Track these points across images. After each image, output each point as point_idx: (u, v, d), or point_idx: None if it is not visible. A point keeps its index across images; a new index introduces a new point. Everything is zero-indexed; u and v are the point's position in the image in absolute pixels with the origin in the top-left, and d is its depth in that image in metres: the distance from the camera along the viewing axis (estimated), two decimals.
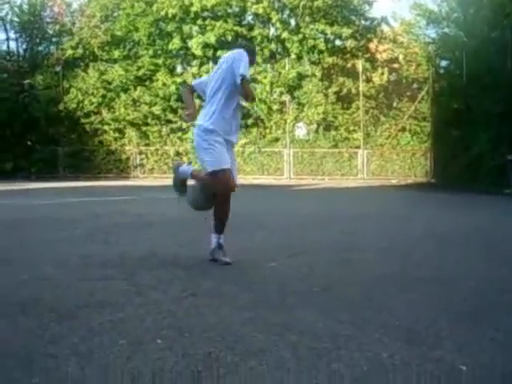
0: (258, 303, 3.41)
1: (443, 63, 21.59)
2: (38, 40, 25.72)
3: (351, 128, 21.92)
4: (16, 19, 25.42)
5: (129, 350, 2.57)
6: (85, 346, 2.62)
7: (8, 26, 25.49)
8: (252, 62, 4.68)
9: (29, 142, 23.41)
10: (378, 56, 23.82)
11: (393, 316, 3.15)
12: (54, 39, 25.80)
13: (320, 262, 4.85)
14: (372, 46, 23.85)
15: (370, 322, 3.02)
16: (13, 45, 25.70)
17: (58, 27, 25.42)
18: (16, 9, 25.35)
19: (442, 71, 21.23)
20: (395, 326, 2.95)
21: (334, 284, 3.97)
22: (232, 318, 3.09)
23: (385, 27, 24.00)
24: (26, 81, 23.83)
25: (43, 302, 3.42)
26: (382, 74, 22.15)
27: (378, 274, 4.30)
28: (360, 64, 22.13)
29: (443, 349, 2.62)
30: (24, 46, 25.82)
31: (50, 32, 25.81)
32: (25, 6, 25.33)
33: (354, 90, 22.06)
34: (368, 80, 22.14)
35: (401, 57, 22.99)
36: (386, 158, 21.61)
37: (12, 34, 25.68)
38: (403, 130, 21.63)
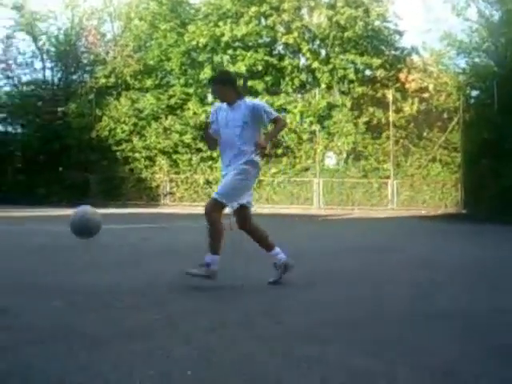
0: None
1: (474, 93, 21.43)
2: (72, 69, 26.33)
3: (381, 158, 21.78)
4: (52, 49, 26.08)
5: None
6: (114, 375, 2.63)
7: (44, 56, 26.20)
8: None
9: (60, 168, 23.78)
10: (408, 86, 23.74)
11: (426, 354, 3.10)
12: (87, 68, 26.39)
13: (339, 293, 4.80)
14: (402, 75, 23.80)
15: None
16: (48, 73, 26.35)
17: (92, 56, 25.98)
18: (53, 39, 26.02)
19: (472, 101, 21.08)
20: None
21: (359, 319, 3.93)
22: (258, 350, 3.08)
23: (415, 57, 23.99)
24: (60, 108, 24.31)
25: (73, 328, 3.45)
26: (413, 103, 22.06)
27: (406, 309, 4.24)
28: (390, 94, 22.08)
29: None
30: (59, 75, 26.43)
31: (84, 61, 26.41)
32: (61, 36, 25.97)
33: (383, 120, 21.98)
34: (398, 110, 22.03)
35: (431, 86, 22.86)
36: (417, 189, 21.39)
37: (48, 63, 26.37)
38: (434, 160, 21.43)
